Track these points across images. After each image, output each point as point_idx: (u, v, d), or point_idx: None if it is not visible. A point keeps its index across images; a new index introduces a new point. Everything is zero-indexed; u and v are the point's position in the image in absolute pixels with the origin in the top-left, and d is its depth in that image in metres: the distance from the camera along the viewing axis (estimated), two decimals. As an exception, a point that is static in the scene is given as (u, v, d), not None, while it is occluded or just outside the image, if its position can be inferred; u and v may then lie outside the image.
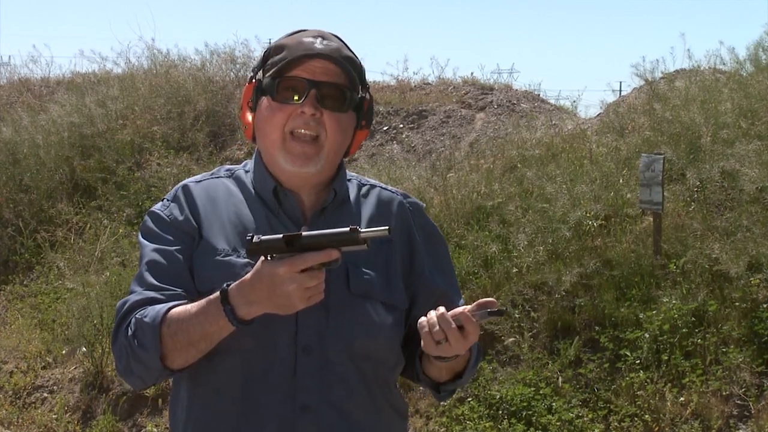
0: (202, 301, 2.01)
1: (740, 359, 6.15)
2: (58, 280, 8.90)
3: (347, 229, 1.92)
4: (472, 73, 11.71)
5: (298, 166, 2.13)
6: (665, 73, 9.85)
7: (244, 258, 2.06)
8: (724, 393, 6.11)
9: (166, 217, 2.17)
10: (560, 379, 6.47)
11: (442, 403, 6.54)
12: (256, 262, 1.97)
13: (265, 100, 2.16)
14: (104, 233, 9.27)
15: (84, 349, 7.76)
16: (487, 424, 6.28)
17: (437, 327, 1.97)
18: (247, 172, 2.25)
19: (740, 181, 7.31)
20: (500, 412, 6.34)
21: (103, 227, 9.42)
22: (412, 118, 10.54)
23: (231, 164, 2.43)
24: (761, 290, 6.49)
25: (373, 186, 2.28)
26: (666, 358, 6.30)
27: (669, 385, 6.19)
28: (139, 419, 7.20)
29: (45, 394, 7.75)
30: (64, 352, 8.03)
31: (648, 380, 6.23)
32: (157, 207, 2.21)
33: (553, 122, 9.69)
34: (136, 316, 2.05)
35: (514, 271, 7.20)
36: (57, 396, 7.64)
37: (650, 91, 9.33)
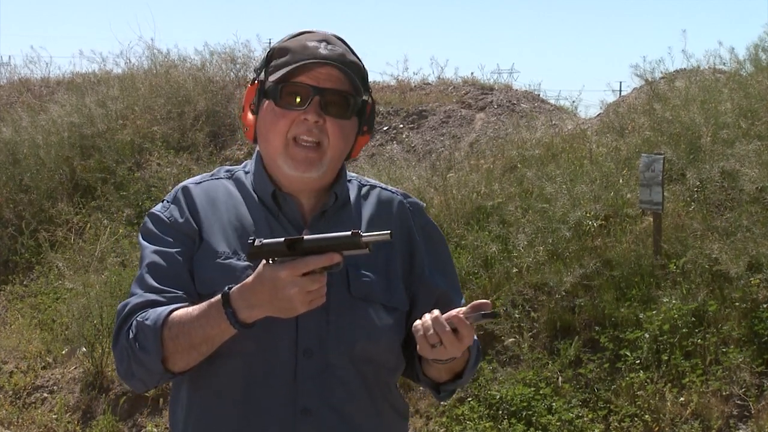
0: (204, 304, 2.00)
1: (740, 359, 6.15)
2: (58, 280, 8.91)
3: (349, 233, 1.92)
4: (472, 73, 11.72)
5: (300, 172, 2.12)
6: (665, 73, 9.85)
7: (245, 261, 2.05)
8: (724, 393, 6.11)
9: (166, 219, 2.17)
10: (560, 379, 6.47)
11: (442, 403, 6.54)
12: (256, 266, 1.96)
13: (267, 104, 2.15)
14: (104, 233, 9.27)
15: (84, 349, 7.76)
16: (487, 424, 6.28)
17: (432, 330, 1.97)
18: (247, 173, 2.24)
19: (740, 181, 7.31)
20: (500, 412, 6.34)
21: (103, 227, 9.42)
22: (412, 118, 10.54)
23: (231, 165, 2.42)
24: (761, 290, 6.49)
25: (373, 186, 2.27)
26: (666, 358, 6.30)
27: (669, 385, 6.19)
28: (139, 419, 7.20)
29: (45, 394, 7.75)
30: (64, 352, 8.03)
31: (648, 380, 6.23)
32: (157, 208, 2.20)
33: (553, 122, 9.69)
34: (137, 319, 2.05)
35: (514, 271, 7.20)
36: (57, 396, 7.64)
37: (650, 91, 9.33)
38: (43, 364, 8.10)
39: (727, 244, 6.78)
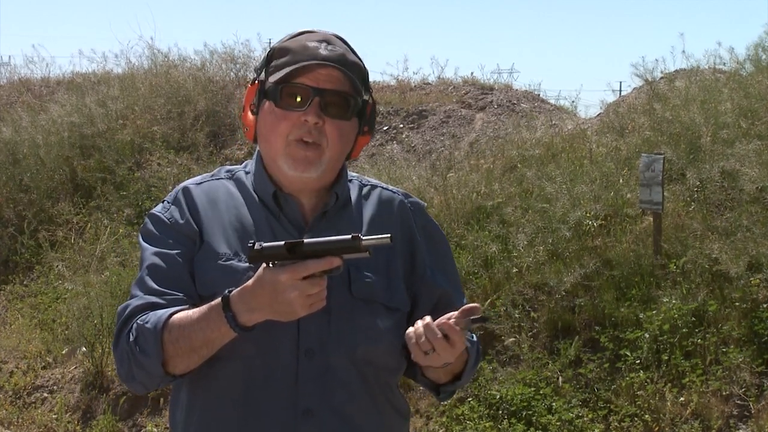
0: (204, 307, 2.00)
1: (740, 359, 6.15)
2: (58, 280, 8.91)
3: (349, 237, 1.92)
4: (472, 73, 11.72)
5: (300, 171, 2.12)
6: (665, 73, 9.85)
7: (246, 262, 2.04)
8: (724, 393, 6.11)
9: (166, 220, 2.16)
10: (560, 379, 6.47)
11: (442, 403, 6.54)
12: (257, 268, 1.96)
13: (268, 105, 2.15)
14: (104, 233, 9.27)
15: (84, 349, 7.76)
16: (487, 424, 6.28)
17: (423, 338, 1.98)
18: (247, 173, 2.23)
19: (740, 181, 7.31)
20: (500, 412, 6.34)
21: (103, 227, 9.42)
22: (412, 118, 10.54)
23: (231, 164, 2.42)
24: (761, 290, 6.49)
25: (374, 186, 2.27)
26: (666, 358, 6.30)
27: (669, 385, 6.19)
28: (139, 419, 7.20)
29: (45, 394, 7.75)
30: (64, 352, 8.03)
31: (648, 380, 6.23)
32: (158, 209, 2.19)
33: (553, 122, 9.69)
34: (138, 321, 2.05)
35: (514, 271, 7.20)
36: (57, 396, 7.64)
37: (650, 91, 9.33)
38: (43, 364, 8.10)
39: (727, 244, 6.78)
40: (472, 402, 6.46)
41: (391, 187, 2.30)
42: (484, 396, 6.46)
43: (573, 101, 16.46)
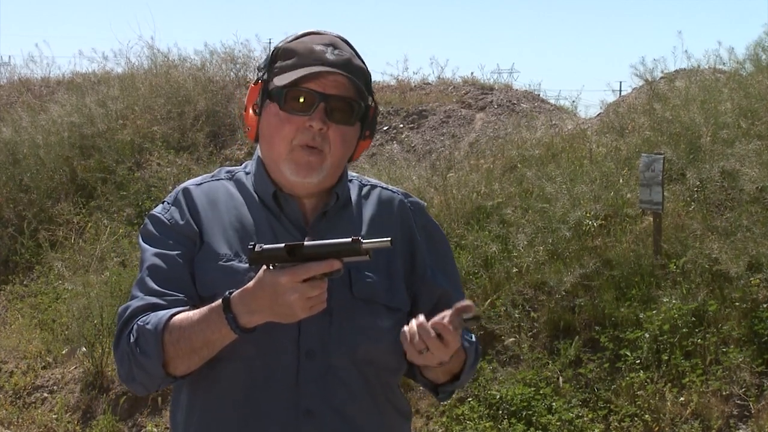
0: (204, 309, 2.00)
1: (740, 359, 6.16)
2: (58, 280, 8.91)
3: (349, 239, 1.92)
4: (472, 73, 11.73)
5: (301, 177, 2.12)
6: (665, 73, 9.85)
7: (246, 263, 2.03)
8: (724, 393, 6.11)
9: (166, 221, 2.16)
10: (560, 379, 6.47)
11: (442, 403, 6.54)
12: (257, 270, 1.96)
13: (272, 107, 2.14)
14: (104, 233, 9.27)
15: (84, 349, 7.76)
16: (487, 424, 6.28)
17: (417, 337, 1.97)
18: (247, 174, 2.23)
19: (740, 181, 7.31)
20: (500, 412, 6.34)
21: (104, 227, 9.42)
22: (412, 118, 10.54)
23: (231, 165, 2.42)
24: (761, 290, 6.49)
25: (374, 186, 2.27)
26: (666, 358, 6.30)
27: (669, 385, 6.19)
28: (139, 419, 7.21)
29: (45, 394, 7.75)
30: (64, 352, 8.03)
31: (648, 380, 6.23)
32: (158, 210, 2.19)
33: (553, 122, 9.69)
34: (138, 323, 2.04)
35: (514, 271, 7.20)
36: (57, 396, 7.64)
37: (650, 91, 9.33)
38: (43, 364, 8.10)
39: (727, 244, 6.78)
40: (472, 402, 6.46)
41: (391, 187, 2.30)
42: (484, 396, 6.46)
43: (573, 101, 16.46)
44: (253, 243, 1.96)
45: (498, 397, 6.37)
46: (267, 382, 2.07)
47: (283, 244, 1.94)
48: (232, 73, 11.81)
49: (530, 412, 6.27)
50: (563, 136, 9.04)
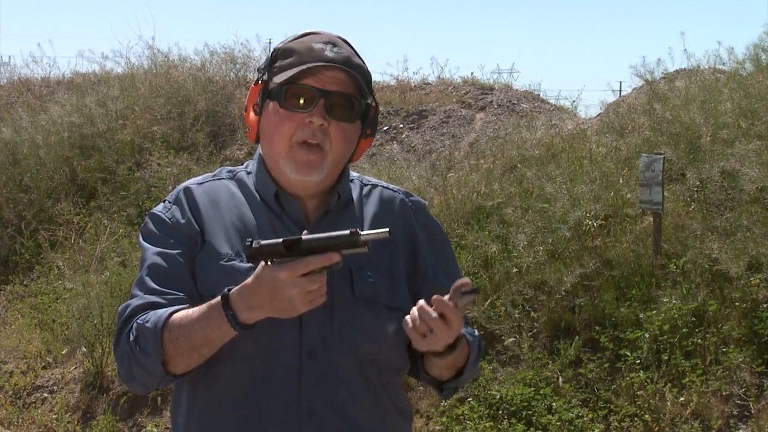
0: (204, 306, 1.99)
1: (740, 359, 6.16)
2: (58, 280, 8.91)
3: (347, 232, 1.91)
4: (472, 73, 11.72)
5: (302, 175, 2.12)
6: (665, 73, 9.85)
7: (248, 263, 2.03)
8: (724, 393, 6.11)
9: (167, 220, 2.16)
10: (560, 379, 6.47)
11: (442, 402, 6.54)
12: (256, 266, 1.96)
13: (272, 105, 2.14)
14: (104, 233, 9.27)
15: (84, 349, 7.76)
16: (487, 424, 6.28)
17: (419, 320, 1.97)
18: (248, 173, 2.23)
19: (740, 181, 7.31)
20: (500, 412, 6.34)
21: (103, 227, 9.42)
22: (412, 118, 10.54)
23: (231, 165, 2.42)
24: (761, 290, 6.49)
25: (374, 186, 2.27)
26: (666, 358, 6.30)
27: (669, 385, 6.19)
28: (139, 419, 7.20)
29: (45, 394, 7.75)
30: (64, 352, 8.03)
31: (648, 380, 6.23)
32: (159, 209, 2.19)
33: (553, 122, 9.69)
34: (138, 321, 2.04)
35: (514, 271, 7.20)
36: (57, 396, 7.64)
37: (650, 91, 9.33)
38: (43, 364, 8.10)
39: (727, 244, 6.78)
40: (472, 402, 6.46)
41: (392, 186, 2.30)
42: (484, 396, 6.46)
43: (573, 101, 16.46)
44: (251, 239, 1.96)
45: (498, 397, 6.38)
46: (267, 382, 2.07)
47: (281, 239, 1.93)
48: (232, 73, 11.81)
49: (530, 412, 6.27)
50: (563, 136, 9.04)
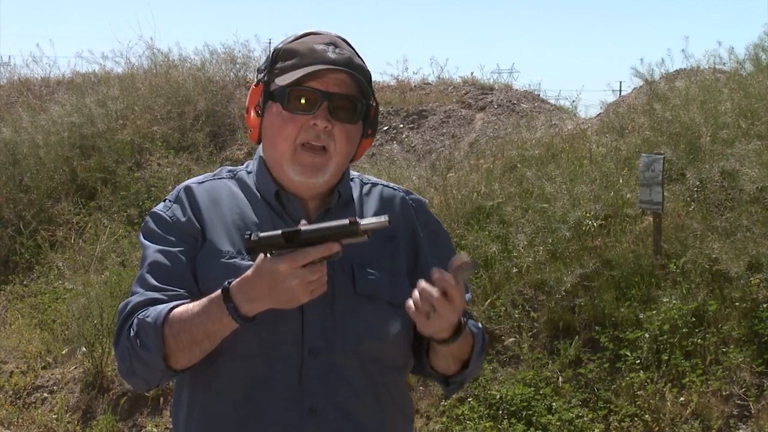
0: (204, 300, 2.00)
1: (740, 359, 6.16)
2: (58, 280, 8.91)
3: (346, 221, 1.91)
4: (472, 73, 11.73)
5: (307, 177, 2.12)
6: (665, 73, 9.85)
7: (249, 260, 2.03)
8: (724, 393, 6.11)
9: (168, 218, 2.16)
10: (560, 379, 6.47)
11: (442, 402, 6.55)
12: (255, 259, 1.96)
13: (274, 107, 2.14)
14: (104, 233, 9.27)
15: (84, 349, 7.76)
16: (487, 424, 6.28)
17: (421, 300, 1.97)
18: (249, 173, 2.23)
19: (740, 181, 7.31)
20: (500, 412, 6.34)
21: (103, 227, 9.42)
22: (412, 118, 10.54)
23: (231, 165, 2.42)
24: (761, 290, 6.49)
25: (375, 184, 2.27)
26: (666, 358, 6.31)
27: (669, 385, 6.19)
28: (139, 419, 7.20)
29: (45, 394, 7.75)
30: (64, 352, 8.03)
31: (648, 380, 6.23)
32: (159, 208, 2.19)
33: (553, 122, 9.69)
34: (139, 316, 2.04)
35: (514, 271, 7.20)
36: (57, 396, 7.64)
37: (650, 91, 9.33)
38: (43, 364, 8.10)
39: (727, 244, 6.79)
40: (472, 402, 6.46)
41: (392, 185, 2.30)
42: (484, 396, 6.46)
43: (573, 101, 16.48)
44: (249, 232, 1.96)
45: (498, 397, 6.38)
46: (267, 382, 2.07)
47: (279, 231, 1.93)
48: (232, 74, 11.81)
49: (530, 412, 6.27)
50: (563, 136, 9.04)
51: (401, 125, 10.47)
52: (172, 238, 2.13)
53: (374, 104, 2.20)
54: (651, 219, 7.16)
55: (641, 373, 6.27)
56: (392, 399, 2.18)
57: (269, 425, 2.07)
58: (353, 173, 2.26)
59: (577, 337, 6.67)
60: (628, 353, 6.37)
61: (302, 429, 2.06)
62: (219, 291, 1.97)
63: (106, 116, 11.00)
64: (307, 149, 2.11)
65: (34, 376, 7.95)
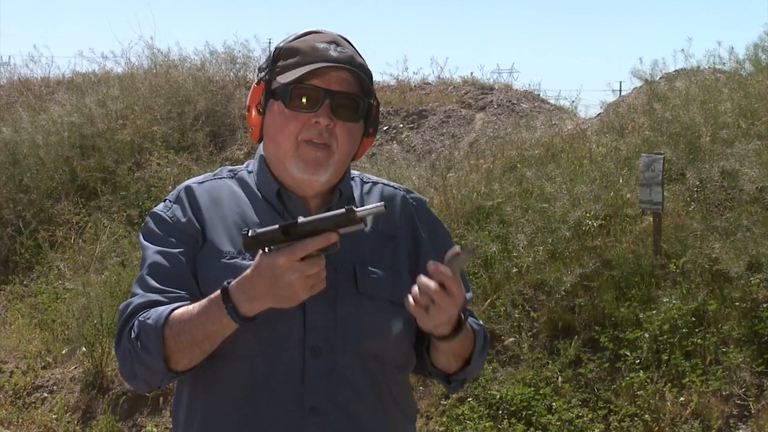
0: (204, 301, 1.99)
1: (740, 359, 6.16)
2: (58, 280, 8.91)
3: (343, 210, 1.91)
4: (471, 73, 11.74)
5: (309, 174, 2.12)
6: (665, 73, 9.86)
7: (250, 260, 2.02)
8: (724, 393, 6.11)
9: (168, 219, 2.15)
10: (560, 379, 6.47)
11: (443, 402, 6.55)
12: (254, 256, 1.96)
13: (276, 105, 2.13)
14: (104, 233, 9.27)
15: (84, 349, 7.76)
16: (487, 424, 6.28)
17: (419, 294, 1.97)
18: (250, 172, 2.23)
19: (740, 181, 7.31)
20: (500, 412, 6.34)
21: (103, 227, 9.42)
22: (412, 118, 10.54)
23: (232, 164, 2.42)
24: (761, 290, 6.49)
25: (375, 183, 2.27)
26: (666, 358, 6.31)
27: (669, 385, 6.19)
28: (139, 419, 7.20)
29: (45, 394, 7.75)
30: (64, 352, 8.03)
31: (648, 380, 6.23)
32: (159, 208, 2.18)
33: (553, 122, 9.69)
34: (139, 318, 2.04)
35: (514, 271, 7.20)
36: (57, 396, 7.64)
37: (650, 91, 9.33)
38: (43, 364, 8.10)
39: (727, 243, 6.79)
40: (472, 402, 6.46)
41: (392, 184, 2.30)
42: (484, 396, 6.46)
43: (573, 101, 16.48)
44: (246, 229, 1.95)
45: (498, 397, 6.38)
46: (268, 382, 2.06)
47: (277, 226, 1.92)
48: (232, 73, 11.81)
49: (530, 412, 6.27)
50: (563, 136, 9.04)
51: (401, 125, 10.47)
52: (173, 239, 2.12)
53: (375, 103, 2.20)
54: (651, 219, 7.16)
55: (641, 373, 6.27)
56: (394, 399, 2.17)
57: (270, 425, 2.06)
58: (354, 172, 2.26)
59: (576, 337, 6.67)
60: (628, 353, 6.37)
61: (303, 429, 2.06)
62: (218, 291, 1.97)
63: (106, 116, 11.00)
64: (310, 144, 2.11)
65: (34, 376, 7.95)
